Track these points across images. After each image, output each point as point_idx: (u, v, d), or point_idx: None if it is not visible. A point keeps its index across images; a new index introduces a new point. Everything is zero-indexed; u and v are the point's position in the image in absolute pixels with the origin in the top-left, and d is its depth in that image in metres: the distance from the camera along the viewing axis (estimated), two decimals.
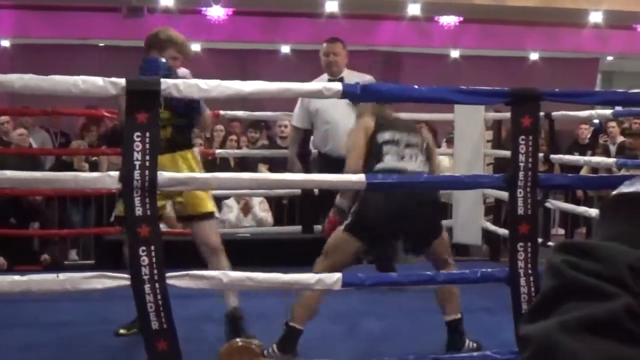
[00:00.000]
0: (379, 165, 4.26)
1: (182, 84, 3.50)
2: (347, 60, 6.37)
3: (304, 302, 4.26)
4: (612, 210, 0.82)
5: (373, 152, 4.34)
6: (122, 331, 4.84)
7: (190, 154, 4.56)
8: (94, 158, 8.64)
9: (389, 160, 4.29)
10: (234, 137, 9.22)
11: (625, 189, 0.82)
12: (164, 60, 4.34)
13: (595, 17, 11.85)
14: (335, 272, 3.95)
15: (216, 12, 12.05)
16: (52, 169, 8.31)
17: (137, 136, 3.41)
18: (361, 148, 4.34)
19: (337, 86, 3.58)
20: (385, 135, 4.36)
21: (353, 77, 6.16)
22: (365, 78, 6.12)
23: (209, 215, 4.67)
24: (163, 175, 3.51)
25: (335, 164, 6.00)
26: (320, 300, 4.26)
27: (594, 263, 0.74)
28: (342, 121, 6.05)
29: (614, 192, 0.84)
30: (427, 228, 4.33)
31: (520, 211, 3.78)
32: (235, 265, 4.38)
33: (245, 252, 6.65)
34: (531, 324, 0.74)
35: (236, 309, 4.75)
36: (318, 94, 3.63)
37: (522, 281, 3.80)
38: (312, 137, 6.65)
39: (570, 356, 0.68)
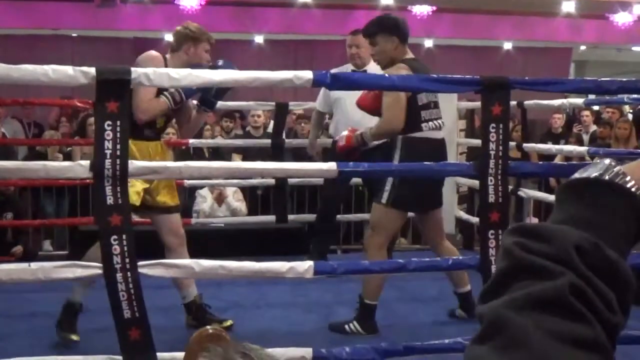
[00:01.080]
0: (418, 134, 4.54)
1: (153, 73, 3.49)
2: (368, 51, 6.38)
3: (373, 276, 4.52)
4: (563, 195, 0.86)
5: (412, 117, 4.54)
6: (73, 337, 4.65)
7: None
8: (69, 149, 8.59)
9: (427, 129, 4.59)
10: (207, 126, 9.20)
11: (578, 175, 0.87)
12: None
13: (568, 6, 11.95)
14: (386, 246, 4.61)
15: (189, 2, 12.02)
16: (25, 160, 8.26)
17: (108, 125, 3.40)
18: (404, 102, 4.47)
19: (307, 75, 3.57)
20: (423, 98, 4.56)
21: (378, 69, 6.19)
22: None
23: (179, 208, 4.84)
24: (134, 164, 3.50)
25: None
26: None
27: (542, 244, 0.77)
28: (353, 113, 6.13)
29: (569, 179, 0.88)
30: (439, 198, 4.82)
31: (491, 199, 3.80)
32: (209, 255, 4.38)
33: (219, 242, 6.66)
34: (484, 304, 0.77)
35: (198, 296, 4.88)
36: (288, 82, 3.63)
37: (493, 268, 3.82)
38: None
39: (518, 331, 0.71)
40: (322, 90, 6.38)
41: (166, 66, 4.48)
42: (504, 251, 0.80)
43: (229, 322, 4.89)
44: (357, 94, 5.86)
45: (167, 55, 4.68)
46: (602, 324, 0.74)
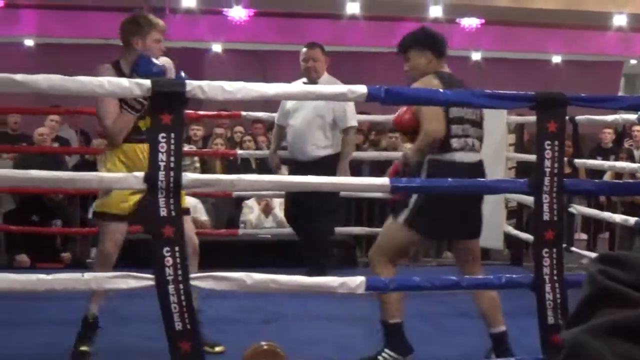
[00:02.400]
0: (447, 157, 4.16)
1: (207, 86, 3.50)
2: (326, 65, 6.44)
3: (388, 294, 4.19)
4: None
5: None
6: (83, 348, 4.62)
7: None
8: None
9: (457, 146, 4.18)
10: (248, 137, 9.26)
11: None
12: (156, 62, 4.28)
13: (619, 20, 11.79)
14: (394, 264, 4.13)
15: (237, 13, 12.06)
16: (75, 168, 8.35)
17: (162, 137, 3.41)
18: (441, 112, 4.13)
19: (362, 89, 3.56)
20: (454, 110, 4.17)
21: (330, 82, 6.21)
22: (338, 83, 6.20)
23: (189, 211, 4.63)
24: (187, 176, 3.51)
25: (296, 165, 6.21)
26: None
27: (625, 272, 0.79)
28: (302, 126, 6.28)
29: None
30: (476, 225, 4.34)
31: (546, 217, 3.75)
32: (255, 266, 4.37)
33: (265, 253, 6.67)
34: (567, 330, 0.79)
35: (92, 314, 4.59)
36: (342, 97, 3.62)
37: (547, 287, 3.77)
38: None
39: (593, 356, 0.74)
40: (280, 103, 6.44)
41: (121, 70, 4.37)
42: (588, 278, 0.82)
43: (220, 348, 4.61)
44: (309, 107, 5.88)
45: (121, 60, 4.48)
46: None
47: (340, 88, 3.62)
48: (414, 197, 4.14)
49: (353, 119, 6.43)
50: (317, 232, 6.53)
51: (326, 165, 6.27)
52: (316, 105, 6.11)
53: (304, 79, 6.33)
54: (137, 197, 4.33)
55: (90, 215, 4.58)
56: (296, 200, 6.42)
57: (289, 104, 6.28)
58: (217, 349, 4.59)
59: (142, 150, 4.29)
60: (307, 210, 6.37)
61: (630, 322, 0.75)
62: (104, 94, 3.50)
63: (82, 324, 4.60)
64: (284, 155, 6.78)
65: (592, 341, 0.74)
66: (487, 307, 4.23)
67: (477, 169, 4.24)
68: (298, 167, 6.07)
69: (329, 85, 3.68)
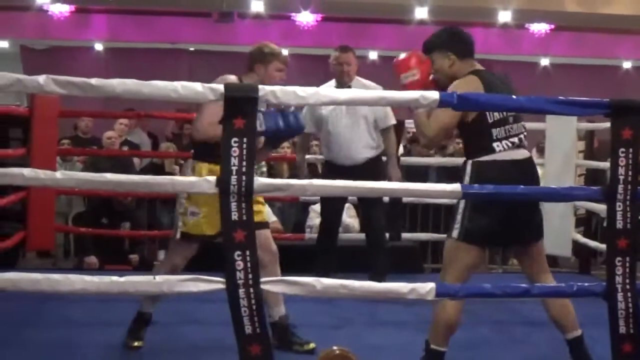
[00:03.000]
0: (490, 157, 4.00)
1: (280, 91, 3.52)
2: (356, 68, 6.42)
3: (440, 319, 4.06)
4: None
5: (479, 134, 4.04)
6: (136, 344, 4.80)
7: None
8: (182, 161, 8.77)
9: (501, 149, 4.01)
10: (316, 142, 9.28)
11: None
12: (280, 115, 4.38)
13: None
14: (465, 280, 3.97)
15: (305, 18, 12.12)
16: (143, 171, 8.48)
17: (235, 142, 3.44)
18: (451, 124, 4.01)
19: (434, 95, 3.55)
20: (496, 114, 4.01)
21: (359, 85, 6.20)
22: (371, 85, 6.20)
23: (266, 224, 4.75)
24: (259, 180, 3.53)
25: (339, 171, 6.08)
26: (459, 313, 4.06)
27: None
28: (346, 131, 6.24)
29: None
30: (533, 231, 4.14)
31: (619, 225, 3.70)
32: (320, 270, 4.38)
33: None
34: None
35: (283, 317, 4.78)
36: (415, 103, 3.61)
37: (620, 297, 3.71)
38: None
39: None
40: (306, 108, 6.31)
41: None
42: None
43: (311, 345, 4.75)
44: (351, 111, 5.80)
45: (243, 77, 4.66)
46: None
47: (413, 94, 3.61)
48: (461, 207, 4.03)
49: (392, 117, 6.46)
50: (380, 237, 6.57)
51: (373, 167, 6.33)
52: (359, 108, 6.12)
53: (333, 83, 6.31)
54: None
55: (177, 235, 4.63)
56: (365, 206, 6.47)
57: (324, 110, 6.21)
58: (309, 346, 4.72)
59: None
60: (374, 215, 6.40)
61: None
62: (178, 99, 3.52)
63: (136, 318, 4.80)
64: (309, 160, 6.83)
65: None
66: (559, 313, 4.12)
67: (525, 165, 4.06)
68: (344, 171, 5.98)
69: (402, 92, 3.65)
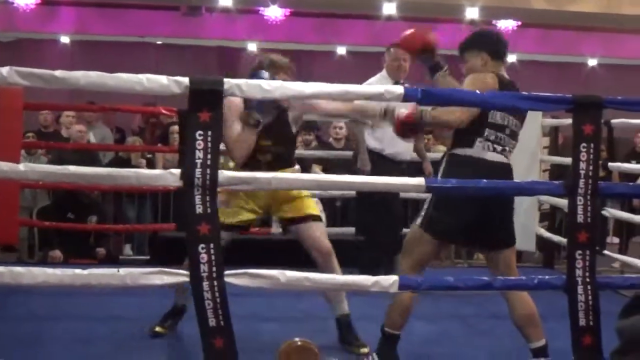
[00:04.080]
0: (466, 151, 4.01)
1: (245, 84, 3.53)
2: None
3: (397, 304, 4.13)
4: None
5: (471, 131, 4.02)
6: (158, 329, 4.88)
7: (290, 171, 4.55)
8: (149, 155, 8.75)
9: (480, 148, 4.00)
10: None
11: None
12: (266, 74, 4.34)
13: None
14: (418, 269, 3.98)
15: (273, 12, 12.09)
16: (109, 165, 8.43)
17: (200, 135, 3.44)
18: (470, 113, 3.97)
19: (399, 89, 3.58)
20: (497, 116, 4.02)
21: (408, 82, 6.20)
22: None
23: (317, 218, 4.69)
24: (224, 173, 3.54)
25: (395, 167, 6.03)
26: (410, 298, 4.10)
27: None
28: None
29: None
30: (502, 234, 4.11)
31: (580, 219, 3.75)
32: (289, 264, 4.39)
33: (299, 252, 6.68)
34: (624, 319, 0.78)
35: (343, 315, 4.75)
36: (379, 97, 3.63)
37: (580, 289, 3.77)
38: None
39: None
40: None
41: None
42: None
43: (363, 350, 4.62)
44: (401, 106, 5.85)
45: None
46: None
47: (378, 88, 3.63)
48: (429, 197, 4.06)
49: None
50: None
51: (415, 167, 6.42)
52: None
53: (378, 78, 6.23)
54: (249, 216, 4.62)
55: None
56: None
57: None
58: (359, 350, 4.60)
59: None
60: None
61: None
62: (143, 91, 3.52)
63: (170, 310, 4.87)
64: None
65: None
66: (525, 325, 4.07)
67: (499, 168, 4.03)
68: (394, 166, 6.05)
69: (368, 86, 3.68)
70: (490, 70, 4.12)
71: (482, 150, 3.99)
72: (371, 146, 6.33)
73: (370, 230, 6.56)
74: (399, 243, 5.82)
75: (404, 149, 6.28)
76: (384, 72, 6.31)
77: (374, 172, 5.86)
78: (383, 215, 6.38)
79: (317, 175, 3.63)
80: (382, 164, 6.19)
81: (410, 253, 4.11)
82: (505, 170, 4.06)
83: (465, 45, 4.27)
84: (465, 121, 3.98)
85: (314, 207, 4.73)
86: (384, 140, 6.25)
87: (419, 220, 4.07)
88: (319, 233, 4.64)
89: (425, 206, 4.06)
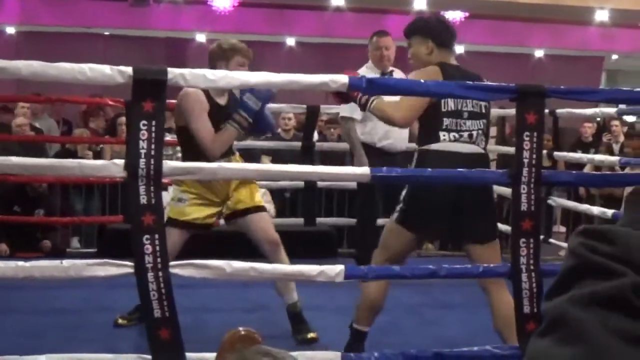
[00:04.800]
0: (434, 146, 3.98)
1: (189, 74, 3.50)
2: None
3: (365, 301, 4.19)
4: (631, 200, 0.91)
5: (432, 124, 4.01)
6: (121, 321, 4.88)
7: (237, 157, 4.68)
8: (100, 146, 8.65)
9: (447, 140, 3.98)
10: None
11: None
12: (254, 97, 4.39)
13: (601, 15, 11.87)
14: (395, 264, 3.96)
15: (222, 3, 12.04)
16: (56, 157, 8.32)
17: (144, 125, 3.41)
18: (420, 104, 3.95)
19: (343, 79, 3.57)
20: (450, 103, 3.99)
21: (400, 73, 6.15)
22: (402, 74, 6.08)
23: (263, 208, 4.75)
24: (168, 164, 3.52)
25: (390, 159, 5.92)
26: (382, 296, 4.16)
27: (607, 245, 0.81)
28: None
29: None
30: (478, 227, 4.07)
31: (524, 207, 3.77)
32: (237, 255, 4.38)
33: (248, 243, 6.67)
34: (549, 301, 0.82)
35: (295, 304, 4.83)
36: (324, 86, 3.63)
37: (524, 277, 3.80)
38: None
39: (579, 325, 0.76)
40: None
41: (207, 93, 4.52)
42: (569, 251, 0.84)
43: (310, 335, 4.80)
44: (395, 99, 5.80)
45: None
46: None
47: (322, 77, 3.62)
48: (404, 192, 4.06)
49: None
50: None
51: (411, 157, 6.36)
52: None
53: (370, 67, 6.16)
54: (211, 211, 4.67)
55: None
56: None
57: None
58: (307, 335, 4.76)
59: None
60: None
61: (611, 292, 0.77)
62: (86, 81, 3.48)
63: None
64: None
65: (573, 310, 0.77)
66: (502, 326, 4.03)
67: (470, 159, 3.98)
68: (388, 158, 5.95)
69: (312, 75, 3.67)
70: (436, 58, 4.11)
71: (448, 142, 3.98)
72: (363, 140, 6.26)
73: (372, 222, 6.52)
74: None
75: (397, 140, 6.21)
76: (369, 63, 6.24)
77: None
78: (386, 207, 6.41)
79: (263, 165, 3.62)
80: (377, 157, 6.08)
81: (387, 248, 4.13)
82: (475, 160, 4.00)
83: (411, 30, 4.24)
84: (410, 121, 4.04)
85: (259, 197, 4.77)
86: (376, 133, 6.20)
87: (394, 216, 4.08)
88: (268, 224, 4.69)
89: (400, 201, 4.06)
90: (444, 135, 3.99)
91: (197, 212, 4.62)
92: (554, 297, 0.80)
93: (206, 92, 4.50)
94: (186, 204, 4.63)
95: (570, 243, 0.85)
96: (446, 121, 3.99)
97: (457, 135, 4.00)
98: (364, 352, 3.81)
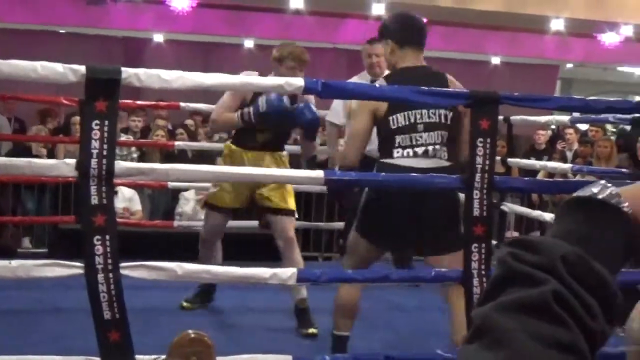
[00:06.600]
0: (388, 160, 3.97)
1: (143, 74, 3.48)
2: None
3: (340, 306, 4.22)
4: (562, 211, 0.93)
5: (385, 141, 4.01)
6: (185, 304, 5.43)
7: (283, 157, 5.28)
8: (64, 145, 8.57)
9: (399, 156, 3.95)
10: (181, 130, 9.29)
11: (577, 193, 0.93)
12: (277, 97, 4.67)
13: (557, 24, 11.98)
14: (360, 270, 3.99)
15: (180, 3, 11.96)
16: (8, 155, 8.22)
17: (96, 124, 3.38)
18: (362, 135, 3.98)
19: (299, 82, 3.57)
20: (399, 119, 3.94)
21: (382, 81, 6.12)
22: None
23: (292, 212, 5.18)
24: (120, 164, 3.49)
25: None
26: (357, 299, 4.20)
27: (532, 255, 0.84)
28: None
29: (569, 196, 0.95)
30: (440, 239, 4.03)
31: (476, 212, 3.79)
32: (192, 258, 4.37)
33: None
34: (478, 308, 0.84)
35: (302, 299, 5.10)
36: (279, 89, 3.62)
37: (475, 281, 3.81)
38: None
39: (502, 332, 0.78)
40: (341, 102, 6.06)
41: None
42: (498, 261, 0.87)
43: (311, 330, 5.02)
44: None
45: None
46: (583, 329, 0.80)
47: (278, 80, 3.62)
48: (362, 201, 4.05)
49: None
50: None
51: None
52: None
53: (364, 75, 6.13)
54: (245, 195, 5.18)
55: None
56: None
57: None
58: (307, 331, 5.00)
59: (249, 157, 5.08)
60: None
61: (533, 299, 0.80)
62: (38, 79, 3.44)
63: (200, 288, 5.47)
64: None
65: (498, 317, 0.79)
66: (457, 330, 4.00)
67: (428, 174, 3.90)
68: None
69: (268, 78, 3.67)
70: (398, 58, 4.10)
71: (402, 158, 3.97)
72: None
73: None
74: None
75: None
76: (364, 72, 6.21)
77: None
78: None
79: (215, 167, 3.61)
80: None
81: (352, 255, 4.17)
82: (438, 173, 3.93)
83: (378, 35, 4.25)
84: (357, 152, 4.00)
85: (293, 202, 5.31)
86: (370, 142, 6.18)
87: (355, 225, 4.11)
88: (289, 225, 5.18)
89: (359, 210, 4.07)
90: (397, 153, 3.97)
91: (227, 201, 5.18)
92: (483, 305, 0.82)
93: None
94: (218, 189, 5.19)
95: (499, 253, 0.88)
96: (398, 138, 3.96)
97: (411, 152, 3.97)
98: (316, 356, 3.80)
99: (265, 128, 4.97)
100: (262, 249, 6.62)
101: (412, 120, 3.97)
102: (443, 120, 4.03)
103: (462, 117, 4.04)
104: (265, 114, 4.71)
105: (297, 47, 5.13)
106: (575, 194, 0.93)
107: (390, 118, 3.94)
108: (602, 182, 0.93)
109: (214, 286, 5.50)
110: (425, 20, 13.07)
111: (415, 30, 4.17)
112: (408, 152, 3.96)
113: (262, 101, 4.69)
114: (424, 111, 3.98)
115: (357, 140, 4.01)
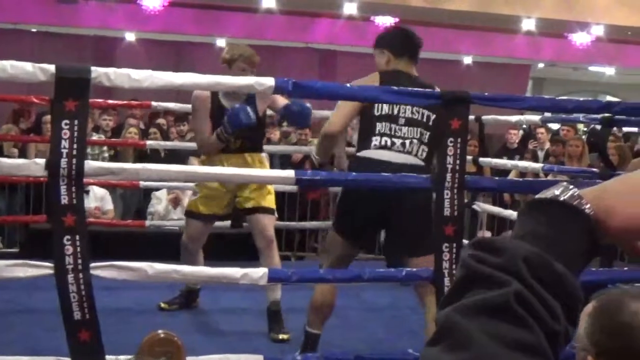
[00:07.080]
0: (363, 153, 4.04)
1: (113, 74, 3.46)
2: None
3: (315, 304, 4.28)
4: (525, 213, 0.93)
5: (366, 129, 4.10)
6: (163, 305, 5.39)
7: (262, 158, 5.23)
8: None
9: (377, 146, 4.02)
10: (154, 129, 9.25)
11: (539, 194, 0.93)
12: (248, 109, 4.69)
13: (528, 24, 12.07)
14: (338, 268, 4.04)
15: (151, 3, 11.93)
16: None
17: (66, 124, 3.36)
18: (350, 107, 4.04)
19: (269, 81, 3.57)
20: (384, 107, 4.06)
21: None
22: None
23: (271, 210, 5.13)
24: (90, 164, 3.47)
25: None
26: (332, 298, 4.27)
27: (494, 256, 0.84)
28: None
29: (531, 198, 0.95)
30: (413, 241, 4.07)
31: (447, 212, 3.80)
32: (163, 258, 4.35)
33: (173, 244, 6.62)
34: (441, 310, 0.84)
35: (275, 302, 5.02)
36: (250, 88, 3.62)
37: (447, 281, 3.83)
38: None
39: (464, 333, 0.79)
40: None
41: (215, 95, 4.91)
42: (461, 263, 0.87)
43: (282, 336, 4.92)
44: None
45: None
46: (545, 330, 0.80)
47: (248, 80, 3.62)
48: (337, 199, 4.15)
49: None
50: None
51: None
52: None
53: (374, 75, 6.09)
54: (220, 204, 5.16)
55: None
56: None
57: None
58: (278, 336, 4.90)
59: (230, 162, 4.91)
60: None
61: (495, 301, 0.80)
62: (7, 78, 3.41)
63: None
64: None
65: (460, 318, 0.79)
66: (432, 329, 4.08)
67: (398, 169, 3.92)
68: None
69: (238, 77, 3.66)
70: (393, 67, 4.21)
71: (378, 150, 4.02)
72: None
73: None
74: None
75: None
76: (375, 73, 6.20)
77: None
78: None
79: (186, 167, 3.60)
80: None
81: (329, 253, 4.25)
82: (408, 172, 3.94)
83: (375, 42, 4.37)
84: (340, 126, 4.08)
85: (273, 201, 5.26)
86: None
87: (332, 222, 4.22)
88: (268, 223, 5.10)
89: (335, 208, 4.18)
90: (375, 140, 4.03)
91: (206, 208, 5.13)
92: (446, 307, 0.83)
93: (214, 94, 4.89)
94: (197, 196, 5.18)
95: (462, 254, 0.88)
96: (379, 125, 4.05)
97: (389, 142, 4.03)
98: (286, 355, 3.81)
99: (237, 134, 4.93)
100: (237, 247, 6.62)
101: (396, 111, 4.08)
102: (425, 120, 4.12)
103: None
104: (237, 130, 4.74)
105: (247, 49, 5.08)
106: (537, 196, 0.93)
107: (376, 105, 4.07)
108: (565, 183, 0.93)
109: (197, 292, 5.50)
110: (396, 19, 13.16)
111: (413, 44, 4.33)
112: (386, 141, 4.03)
113: (227, 121, 4.73)
114: (408, 107, 4.09)
115: (344, 109, 4.08)
